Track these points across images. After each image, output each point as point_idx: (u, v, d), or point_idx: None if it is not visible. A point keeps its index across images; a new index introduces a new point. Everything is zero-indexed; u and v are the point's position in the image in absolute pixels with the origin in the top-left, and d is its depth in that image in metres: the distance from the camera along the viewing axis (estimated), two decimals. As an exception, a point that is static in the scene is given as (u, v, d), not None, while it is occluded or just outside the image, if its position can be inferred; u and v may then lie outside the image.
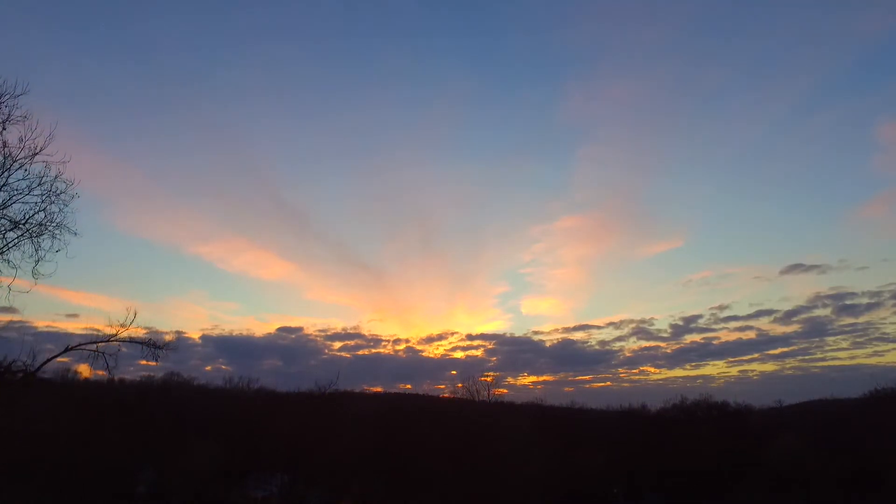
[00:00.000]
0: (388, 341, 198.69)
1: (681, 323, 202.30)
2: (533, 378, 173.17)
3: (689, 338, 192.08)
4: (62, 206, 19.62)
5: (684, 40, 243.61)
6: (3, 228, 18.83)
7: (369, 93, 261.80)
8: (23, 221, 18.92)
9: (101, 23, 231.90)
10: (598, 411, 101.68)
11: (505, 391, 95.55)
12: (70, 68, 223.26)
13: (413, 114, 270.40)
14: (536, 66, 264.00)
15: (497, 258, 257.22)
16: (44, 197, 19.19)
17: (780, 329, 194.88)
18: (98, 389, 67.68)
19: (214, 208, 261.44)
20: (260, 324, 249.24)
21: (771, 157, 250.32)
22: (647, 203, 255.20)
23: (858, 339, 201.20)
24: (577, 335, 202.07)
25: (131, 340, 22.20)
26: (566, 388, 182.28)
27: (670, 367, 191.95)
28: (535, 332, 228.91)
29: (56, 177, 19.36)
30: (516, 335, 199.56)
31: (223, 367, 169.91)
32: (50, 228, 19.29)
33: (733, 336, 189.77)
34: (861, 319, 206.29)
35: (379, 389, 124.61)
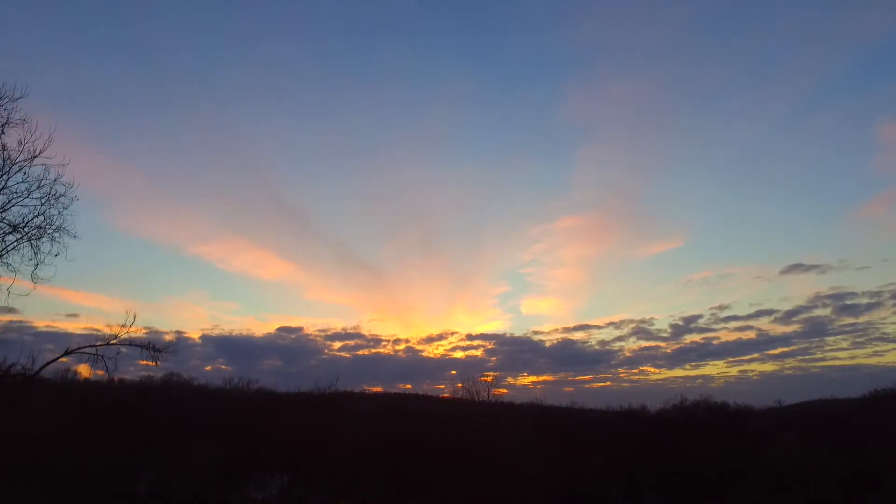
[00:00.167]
0: (388, 341, 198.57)
1: (681, 323, 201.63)
2: (533, 378, 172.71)
3: (689, 338, 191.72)
4: (61, 209, 19.63)
5: (684, 40, 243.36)
6: (2, 232, 18.81)
7: (369, 93, 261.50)
8: (22, 225, 18.90)
9: (101, 23, 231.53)
10: (598, 411, 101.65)
11: (505, 391, 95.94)
12: (70, 68, 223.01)
13: (413, 114, 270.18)
14: (536, 66, 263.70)
15: (497, 258, 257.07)
16: (43, 200, 19.20)
17: (780, 329, 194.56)
18: (98, 389, 67.62)
19: (214, 208, 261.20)
20: (260, 324, 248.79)
21: (771, 157, 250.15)
22: (647, 203, 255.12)
23: (858, 339, 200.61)
24: (577, 335, 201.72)
25: (131, 343, 22.20)
26: (566, 388, 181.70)
27: (670, 367, 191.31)
28: (535, 332, 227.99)
29: (55, 179, 19.43)
30: (516, 335, 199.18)
31: (223, 367, 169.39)
32: (49, 231, 19.28)
33: (733, 336, 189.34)
34: (861, 319, 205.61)
35: (379, 389, 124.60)
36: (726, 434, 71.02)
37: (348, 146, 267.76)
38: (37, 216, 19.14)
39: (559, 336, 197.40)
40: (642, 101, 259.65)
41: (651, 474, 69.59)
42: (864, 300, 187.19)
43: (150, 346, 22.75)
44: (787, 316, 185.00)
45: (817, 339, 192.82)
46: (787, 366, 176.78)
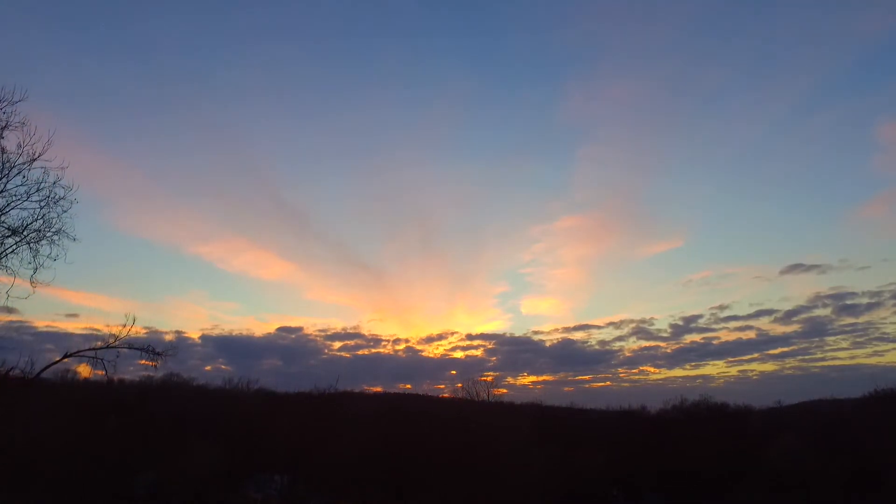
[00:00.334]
0: (388, 341, 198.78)
1: (681, 323, 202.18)
2: (533, 378, 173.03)
3: (689, 338, 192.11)
4: (61, 212, 19.56)
5: (684, 40, 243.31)
6: (1, 235, 18.74)
7: (369, 93, 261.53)
8: (21, 228, 18.83)
9: (101, 23, 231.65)
10: (598, 412, 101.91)
11: (505, 391, 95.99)
12: (70, 68, 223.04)
13: (413, 114, 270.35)
14: (536, 66, 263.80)
15: (497, 258, 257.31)
16: (42, 203, 19.11)
17: (780, 329, 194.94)
18: (97, 390, 67.54)
19: (214, 208, 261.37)
20: (260, 324, 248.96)
21: (771, 157, 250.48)
22: (647, 203, 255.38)
23: (858, 339, 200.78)
24: (577, 335, 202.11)
25: (130, 347, 22.14)
26: (566, 388, 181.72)
27: (670, 367, 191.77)
28: (535, 332, 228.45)
29: (55, 182, 19.31)
30: (516, 335, 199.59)
31: (223, 367, 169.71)
32: (48, 235, 19.20)
33: (733, 336, 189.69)
34: (861, 319, 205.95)
35: (379, 389, 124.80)
36: (726, 434, 70.98)
37: (348, 146, 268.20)
38: (36, 219, 19.11)
39: (559, 336, 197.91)
40: (642, 101, 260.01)
41: (651, 474, 69.59)
42: (865, 300, 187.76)
43: (150, 350, 22.73)
44: (787, 316, 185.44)
45: (817, 339, 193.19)
46: (787, 366, 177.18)
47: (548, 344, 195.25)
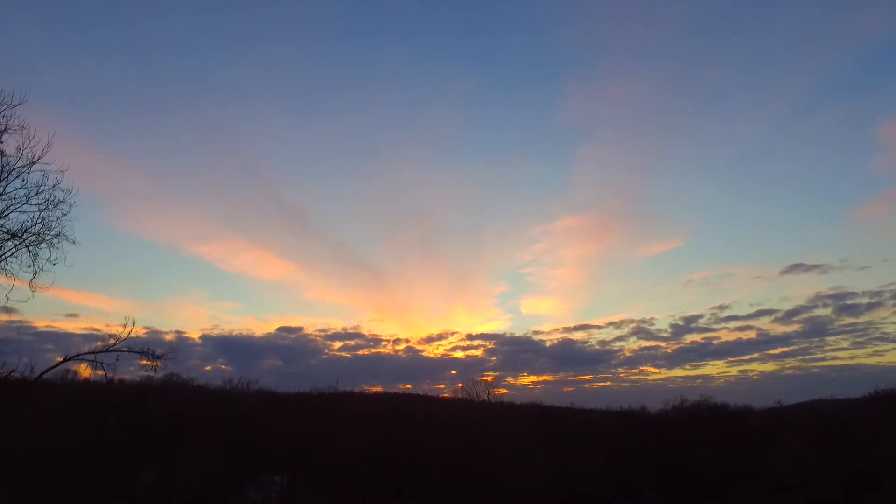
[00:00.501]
0: (388, 341, 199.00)
1: (681, 323, 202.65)
2: (533, 378, 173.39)
3: (689, 338, 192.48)
4: (60, 215, 19.51)
5: (684, 40, 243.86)
6: (0, 238, 18.69)
7: (369, 93, 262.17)
8: (20, 231, 18.77)
9: (101, 23, 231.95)
10: (598, 411, 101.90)
11: (505, 391, 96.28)
12: (70, 68, 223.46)
13: (413, 114, 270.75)
14: (536, 66, 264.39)
15: (497, 258, 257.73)
16: (42, 206, 19.08)
17: (780, 329, 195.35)
18: (97, 390, 67.36)
19: (214, 208, 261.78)
20: (260, 324, 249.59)
21: (771, 157, 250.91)
22: (647, 203, 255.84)
23: (859, 339, 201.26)
24: (577, 335, 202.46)
25: (130, 350, 22.10)
26: (566, 388, 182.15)
27: (670, 367, 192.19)
28: (535, 332, 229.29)
29: (54, 185, 19.27)
30: (516, 335, 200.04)
31: (223, 367, 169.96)
32: (48, 238, 19.16)
33: (733, 336, 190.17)
34: (861, 319, 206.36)
35: (379, 389, 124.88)
36: (726, 434, 70.96)
37: (348, 146, 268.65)
38: (35, 223, 19.05)
39: (559, 336, 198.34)
40: (642, 101, 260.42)
41: (651, 474, 69.57)
42: (865, 300, 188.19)
43: (150, 353, 22.71)
44: (788, 316, 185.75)
45: (817, 339, 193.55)
46: (788, 366, 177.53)
47: (548, 344, 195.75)
